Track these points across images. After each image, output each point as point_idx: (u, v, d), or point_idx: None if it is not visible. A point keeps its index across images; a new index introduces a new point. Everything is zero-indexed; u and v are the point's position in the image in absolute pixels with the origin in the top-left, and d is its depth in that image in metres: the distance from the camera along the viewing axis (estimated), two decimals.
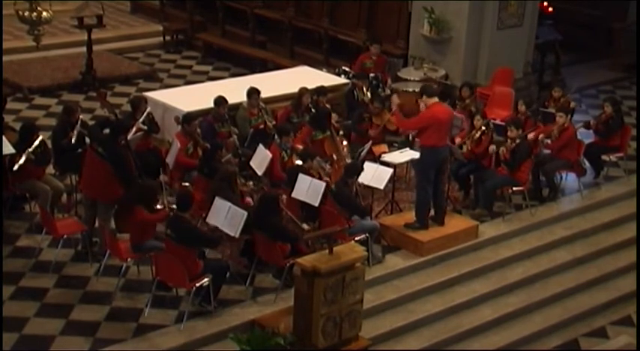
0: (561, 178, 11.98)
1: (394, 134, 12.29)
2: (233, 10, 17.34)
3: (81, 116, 10.96)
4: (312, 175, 10.07)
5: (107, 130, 10.17)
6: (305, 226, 9.58)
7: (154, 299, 9.07)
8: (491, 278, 10.41)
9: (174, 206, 9.15)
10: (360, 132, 12.18)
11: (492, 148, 11.22)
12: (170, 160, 10.73)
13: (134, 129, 10.74)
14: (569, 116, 11.68)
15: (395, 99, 10.84)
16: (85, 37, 14.86)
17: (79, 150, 10.56)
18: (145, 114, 11.05)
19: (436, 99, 10.15)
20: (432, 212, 10.54)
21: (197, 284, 8.85)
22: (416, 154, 10.93)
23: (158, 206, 9.29)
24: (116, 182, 9.56)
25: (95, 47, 15.11)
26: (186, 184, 10.37)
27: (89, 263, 9.74)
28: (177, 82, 15.45)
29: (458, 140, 11.47)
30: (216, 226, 9.20)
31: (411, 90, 13.24)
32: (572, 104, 12.84)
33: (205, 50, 17.05)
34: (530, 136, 11.63)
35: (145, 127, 10.99)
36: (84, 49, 14.97)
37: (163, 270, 8.94)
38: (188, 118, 10.88)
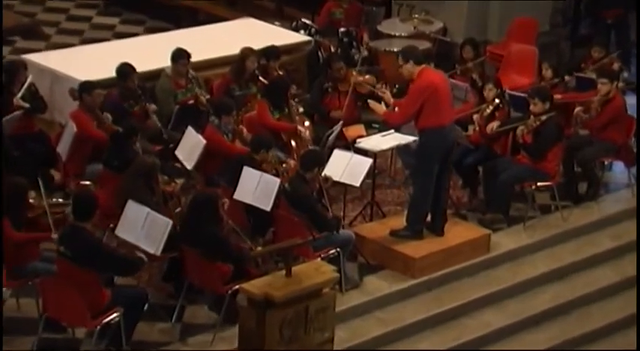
0: (604, 168, 12.12)
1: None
2: None
3: None
4: (265, 171, 10.11)
5: None
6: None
7: (41, 343, 9.02)
8: (510, 307, 10.51)
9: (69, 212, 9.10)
10: (322, 112, 12.28)
11: (492, 125, 11.27)
12: (63, 148, 10.74)
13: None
14: (615, 83, 11.73)
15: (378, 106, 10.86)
16: None
17: None
18: (25, 86, 11.09)
19: (423, 65, 10.22)
20: (428, 217, 10.60)
21: (103, 321, 8.79)
22: (404, 138, 11.01)
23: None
24: None
25: None
26: (87, 182, 10.39)
27: None
28: (70, 40, 15.51)
29: None
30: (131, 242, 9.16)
31: (396, 50, 13.25)
32: (616, 65, 12.93)
33: None
34: (558, 97, 11.70)
35: (26, 105, 11.03)
36: None
37: (54, 303, 8.86)
38: (88, 86, 10.95)
